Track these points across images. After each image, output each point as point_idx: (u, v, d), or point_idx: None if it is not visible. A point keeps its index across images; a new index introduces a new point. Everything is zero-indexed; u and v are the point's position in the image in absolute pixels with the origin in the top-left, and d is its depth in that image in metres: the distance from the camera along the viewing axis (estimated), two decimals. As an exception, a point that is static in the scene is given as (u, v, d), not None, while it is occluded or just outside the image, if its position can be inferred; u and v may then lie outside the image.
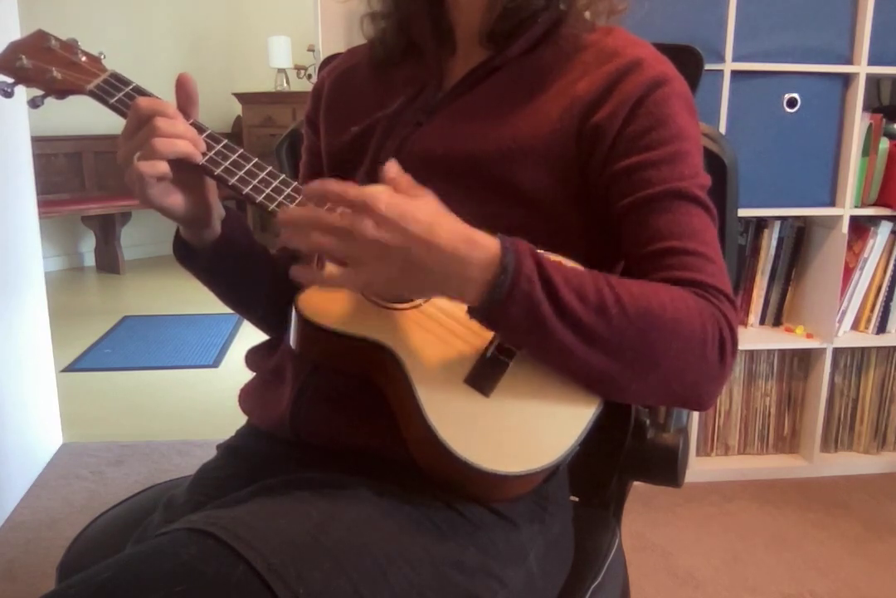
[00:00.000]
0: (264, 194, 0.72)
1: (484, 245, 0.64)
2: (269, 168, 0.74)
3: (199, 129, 0.74)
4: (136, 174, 0.70)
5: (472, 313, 0.67)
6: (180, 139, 0.71)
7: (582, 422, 0.70)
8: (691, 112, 0.79)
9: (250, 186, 0.72)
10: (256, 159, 0.74)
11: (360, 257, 0.62)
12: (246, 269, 0.87)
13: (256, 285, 0.89)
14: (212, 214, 0.79)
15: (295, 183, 0.73)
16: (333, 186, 0.62)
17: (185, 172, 0.73)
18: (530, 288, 0.64)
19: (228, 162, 0.73)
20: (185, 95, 0.75)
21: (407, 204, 0.62)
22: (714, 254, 0.74)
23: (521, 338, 0.68)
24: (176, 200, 0.75)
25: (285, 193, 0.72)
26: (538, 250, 0.67)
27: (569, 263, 0.70)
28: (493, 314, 0.65)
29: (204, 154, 0.73)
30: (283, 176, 0.73)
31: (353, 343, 0.71)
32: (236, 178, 0.73)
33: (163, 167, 0.70)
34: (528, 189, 0.78)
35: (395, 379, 0.71)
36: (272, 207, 0.72)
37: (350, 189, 0.62)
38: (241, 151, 0.74)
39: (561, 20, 0.81)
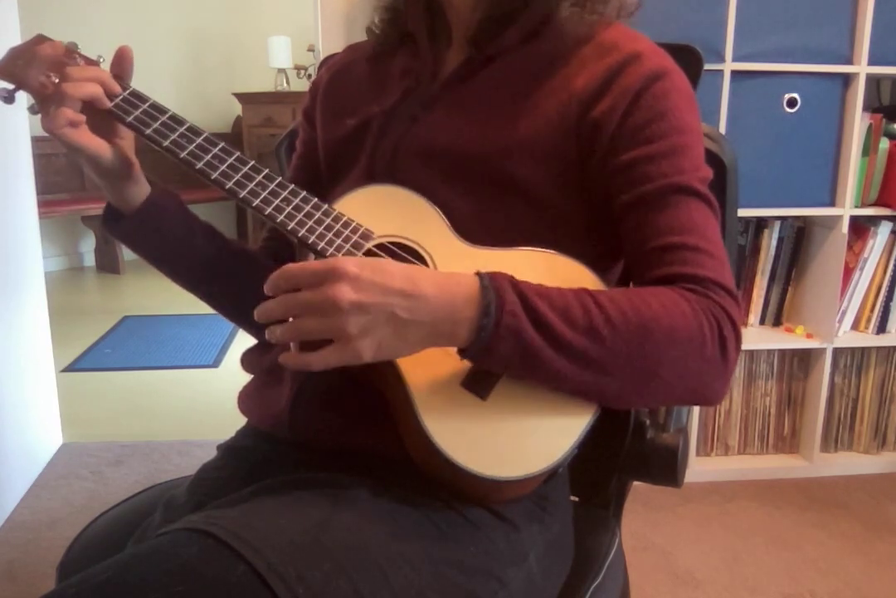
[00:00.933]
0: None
1: (464, 284, 0.64)
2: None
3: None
4: (52, 119, 0.70)
5: (463, 354, 0.66)
6: (89, 82, 0.71)
7: (580, 424, 0.70)
8: (691, 105, 0.78)
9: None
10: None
11: (346, 329, 0.60)
12: (190, 245, 0.86)
13: (214, 269, 0.88)
14: (133, 168, 0.79)
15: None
16: (292, 266, 0.61)
17: (101, 119, 0.74)
18: (516, 322, 0.64)
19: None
20: (119, 62, 0.76)
21: (375, 261, 0.62)
22: (715, 248, 0.73)
23: (517, 371, 0.68)
24: (96, 143, 0.74)
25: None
26: (517, 279, 0.66)
27: (556, 281, 0.69)
28: (484, 354, 0.65)
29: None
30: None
31: None
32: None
33: (69, 114, 0.70)
34: (528, 185, 0.77)
35: (391, 384, 0.70)
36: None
37: (311, 263, 0.61)
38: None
39: (546, 21, 0.80)
